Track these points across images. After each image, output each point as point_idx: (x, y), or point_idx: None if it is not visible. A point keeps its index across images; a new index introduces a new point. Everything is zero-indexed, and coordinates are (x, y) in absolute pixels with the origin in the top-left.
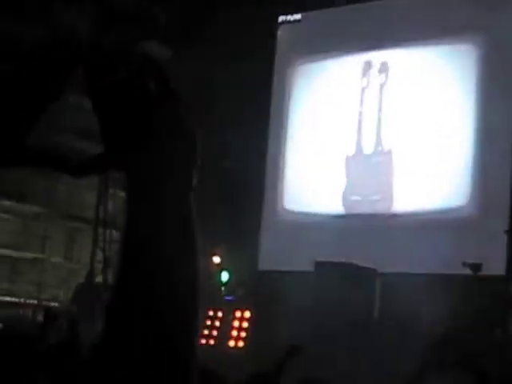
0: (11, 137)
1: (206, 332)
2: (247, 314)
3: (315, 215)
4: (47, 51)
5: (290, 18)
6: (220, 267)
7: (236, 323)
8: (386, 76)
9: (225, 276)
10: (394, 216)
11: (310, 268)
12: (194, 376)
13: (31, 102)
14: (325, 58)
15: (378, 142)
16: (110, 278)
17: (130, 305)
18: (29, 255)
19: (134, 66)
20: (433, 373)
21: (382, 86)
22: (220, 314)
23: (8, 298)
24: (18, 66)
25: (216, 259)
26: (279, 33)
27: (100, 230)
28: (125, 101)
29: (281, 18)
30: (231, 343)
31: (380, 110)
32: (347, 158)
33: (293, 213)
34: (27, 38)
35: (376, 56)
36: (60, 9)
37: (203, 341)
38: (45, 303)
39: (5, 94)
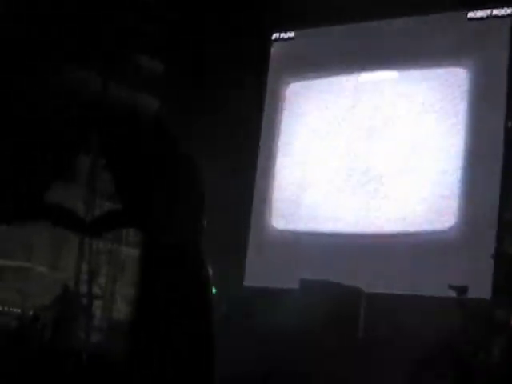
0: (30, 193)
1: None
2: None
3: (302, 233)
4: (66, 114)
5: (283, 35)
6: None
7: None
8: (376, 96)
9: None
10: (381, 236)
11: (296, 286)
12: None
13: (52, 162)
14: (318, 77)
15: (367, 162)
16: (94, 289)
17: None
18: (13, 263)
19: (143, 126)
20: None
21: (371, 106)
22: None
23: None
24: (40, 127)
25: None
26: (272, 50)
27: (86, 241)
28: (136, 158)
29: (274, 35)
30: None
31: (371, 129)
32: (336, 178)
33: (280, 231)
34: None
35: (368, 76)
36: (72, 71)
37: None
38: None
39: (27, 152)
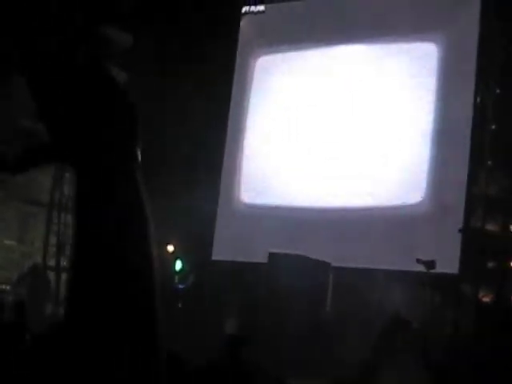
0: None
1: None
2: None
3: (271, 208)
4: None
5: (253, 8)
6: (174, 256)
7: None
8: (348, 70)
9: (178, 265)
10: (350, 211)
11: (264, 259)
12: (159, 356)
13: None
14: (289, 50)
15: (338, 137)
16: (63, 261)
17: (87, 286)
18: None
19: (68, 37)
20: (383, 359)
21: (343, 80)
22: None
23: None
24: None
25: (170, 248)
26: (242, 23)
27: (55, 214)
28: (57, 74)
29: (244, 9)
30: None
31: (341, 103)
32: (305, 152)
33: (249, 205)
34: None
35: (338, 51)
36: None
37: None
38: None
39: None
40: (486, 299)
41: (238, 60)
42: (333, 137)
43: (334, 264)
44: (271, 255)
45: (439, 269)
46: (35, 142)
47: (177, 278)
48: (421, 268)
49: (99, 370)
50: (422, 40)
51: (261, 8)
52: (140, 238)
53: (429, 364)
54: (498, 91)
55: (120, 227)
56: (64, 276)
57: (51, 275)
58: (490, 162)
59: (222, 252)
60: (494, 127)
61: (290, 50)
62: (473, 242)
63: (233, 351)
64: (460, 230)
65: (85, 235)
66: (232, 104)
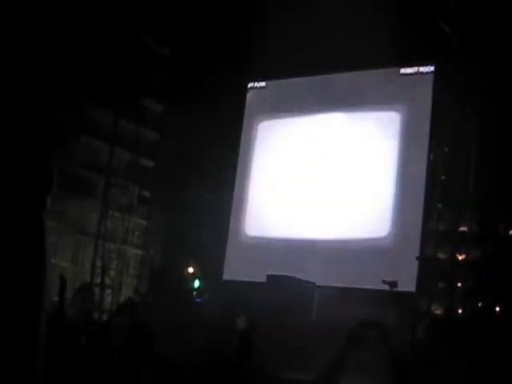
0: None
1: None
2: None
3: (269, 239)
4: None
5: (256, 84)
6: (193, 276)
7: None
8: (328, 132)
9: (197, 283)
10: (331, 242)
11: (263, 280)
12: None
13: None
14: (284, 117)
15: (322, 184)
16: (106, 280)
17: None
18: None
19: None
20: (348, 357)
21: (324, 140)
22: None
23: None
24: None
25: (190, 269)
26: (248, 96)
27: (100, 242)
28: None
29: (249, 85)
30: None
31: (324, 157)
32: (296, 196)
33: (252, 237)
34: None
35: (323, 117)
36: None
37: None
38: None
39: None
40: (437, 312)
41: (244, 124)
42: (318, 184)
43: (319, 283)
44: (269, 276)
45: (400, 287)
46: None
47: (195, 293)
48: (385, 287)
49: None
50: (387, 110)
51: (262, 84)
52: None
53: (389, 362)
54: (446, 150)
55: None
56: (106, 291)
57: (96, 290)
58: (440, 205)
59: (230, 273)
60: (443, 178)
61: (284, 116)
62: (427, 266)
63: (241, 352)
64: (417, 258)
65: None
66: (239, 159)
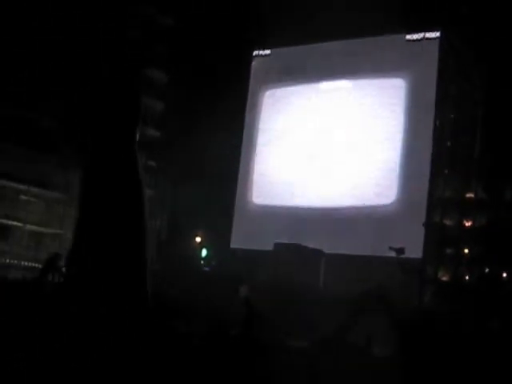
0: None
1: None
2: None
3: (276, 207)
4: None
5: (261, 52)
6: (201, 245)
7: None
8: (333, 99)
9: (204, 252)
10: (339, 209)
11: (270, 247)
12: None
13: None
14: (288, 85)
15: (327, 151)
16: None
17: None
18: (50, 231)
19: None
20: (357, 319)
21: (329, 107)
22: None
23: (33, 264)
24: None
25: (198, 239)
26: (253, 64)
27: None
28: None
29: (255, 52)
30: None
31: (330, 124)
32: (303, 163)
33: (259, 205)
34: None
35: (328, 85)
36: None
37: None
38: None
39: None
40: (443, 278)
41: (250, 92)
42: (326, 151)
43: (326, 251)
44: (276, 244)
45: (407, 254)
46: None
47: (202, 262)
48: (393, 254)
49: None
50: (393, 77)
51: (267, 52)
52: (135, 208)
53: (395, 325)
54: (452, 116)
55: (118, 193)
56: None
57: None
58: (446, 171)
59: (237, 242)
60: (449, 144)
61: (290, 84)
62: (433, 233)
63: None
64: (423, 224)
65: (89, 201)
66: (246, 126)
